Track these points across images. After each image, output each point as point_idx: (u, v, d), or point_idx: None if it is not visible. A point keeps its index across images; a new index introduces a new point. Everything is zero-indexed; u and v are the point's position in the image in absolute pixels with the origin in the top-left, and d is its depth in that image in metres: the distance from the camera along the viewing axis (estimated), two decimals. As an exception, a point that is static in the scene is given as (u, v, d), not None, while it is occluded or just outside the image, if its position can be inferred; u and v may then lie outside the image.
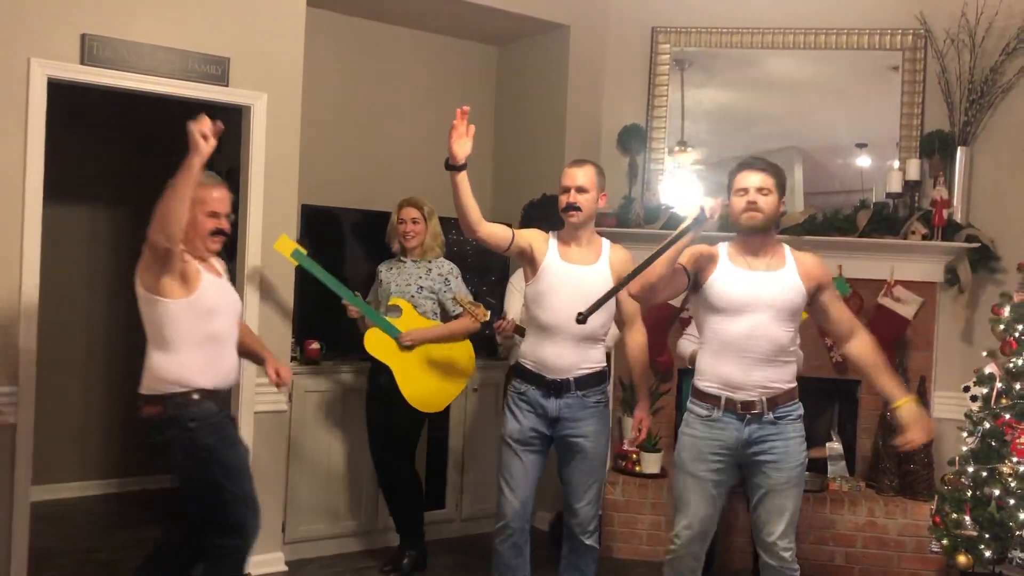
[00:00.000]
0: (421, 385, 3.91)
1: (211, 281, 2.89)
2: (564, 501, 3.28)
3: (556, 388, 3.15)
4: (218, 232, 2.93)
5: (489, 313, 3.89)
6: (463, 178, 2.97)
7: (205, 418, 2.82)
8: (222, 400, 2.94)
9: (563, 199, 3.18)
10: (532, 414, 3.18)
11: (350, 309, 3.94)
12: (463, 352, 4.01)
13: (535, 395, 3.17)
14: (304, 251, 3.83)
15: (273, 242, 3.92)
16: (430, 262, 4.02)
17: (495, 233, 3.10)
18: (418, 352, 3.91)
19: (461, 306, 3.89)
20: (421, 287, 3.97)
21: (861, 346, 2.96)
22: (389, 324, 3.89)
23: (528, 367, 3.20)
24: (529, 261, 3.19)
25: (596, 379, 3.21)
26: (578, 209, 3.16)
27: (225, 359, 2.91)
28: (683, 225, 2.68)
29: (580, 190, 3.16)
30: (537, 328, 3.18)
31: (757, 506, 2.91)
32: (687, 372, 3.97)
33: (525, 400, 3.18)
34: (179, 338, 2.80)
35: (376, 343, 3.89)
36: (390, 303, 3.95)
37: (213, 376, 2.85)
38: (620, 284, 2.78)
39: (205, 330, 2.83)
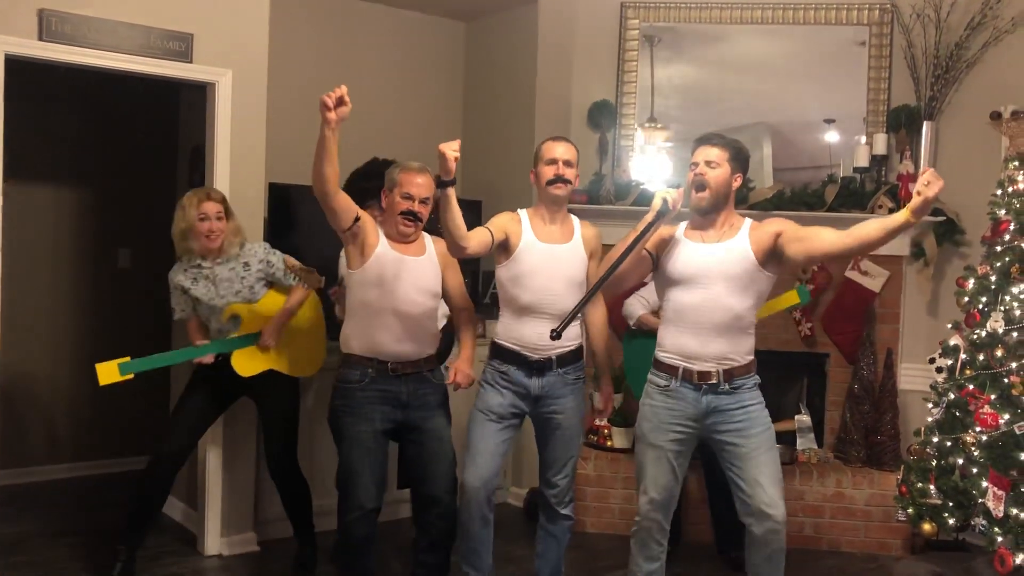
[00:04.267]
0: (294, 356, 3.68)
1: (388, 257, 3.08)
2: (541, 475, 3.32)
3: (538, 367, 3.16)
4: (408, 213, 3.09)
5: (324, 279, 3.63)
6: (453, 193, 2.86)
7: (344, 381, 3.15)
8: (383, 370, 3.11)
9: (550, 171, 3.15)
10: (513, 392, 3.18)
11: (204, 360, 3.56)
12: (308, 310, 3.75)
13: (517, 375, 3.17)
14: (127, 359, 3.36)
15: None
16: (239, 255, 3.61)
17: (481, 242, 3.03)
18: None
19: (294, 273, 3.57)
20: (251, 285, 3.60)
21: (839, 236, 2.74)
22: (240, 340, 3.56)
23: (509, 347, 3.19)
24: (504, 246, 3.16)
25: (575, 356, 3.24)
26: (567, 182, 3.16)
27: (381, 329, 3.09)
28: (647, 219, 2.80)
29: (567, 163, 3.16)
30: (517, 309, 3.17)
31: (737, 481, 2.89)
32: (634, 334, 4.03)
33: (506, 379, 3.18)
34: (350, 305, 3.17)
35: (246, 363, 3.57)
36: (227, 315, 3.58)
37: (364, 344, 3.12)
38: (590, 293, 2.86)
39: (362, 298, 3.11)
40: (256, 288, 3.62)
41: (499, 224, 3.16)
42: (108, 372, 3.32)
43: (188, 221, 3.52)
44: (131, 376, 3.36)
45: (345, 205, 2.97)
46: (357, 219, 3.02)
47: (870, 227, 2.69)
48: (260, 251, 3.65)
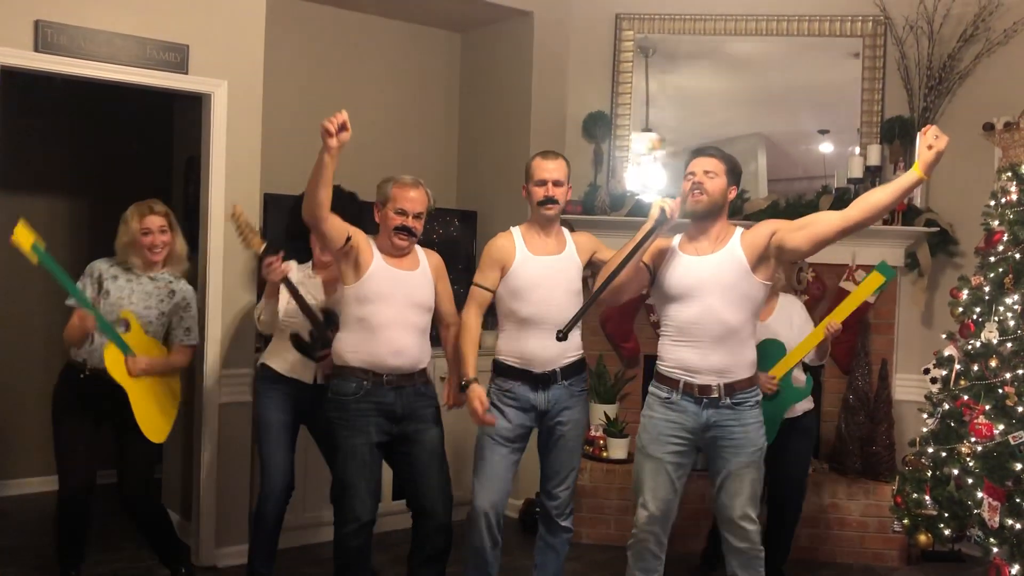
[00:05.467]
0: (151, 410, 3.44)
1: (382, 273, 3.10)
2: (542, 486, 3.32)
3: (544, 381, 3.17)
4: (401, 229, 3.10)
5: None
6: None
7: (338, 393, 3.13)
8: (379, 382, 3.10)
9: (539, 192, 3.20)
10: (520, 411, 3.18)
11: (86, 320, 3.29)
12: (174, 380, 3.60)
13: (523, 391, 3.17)
14: (43, 246, 3.18)
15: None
16: (172, 282, 3.52)
17: (484, 306, 3.22)
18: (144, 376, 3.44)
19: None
20: (162, 312, 3.49)
21: (845, 211, 2.77)
22: (122, 341, 3.35)
23: (512, 364, 3.19)
24: (502, 270, 3.21)
25: (578, 367, 3.26)
26: (556, 202, 3.20)
27: (381, 343, 3.08)
28: (645, 228, 2.79)
29: (557, 183, 3.20)
30: (518, 323, 3.18)
31: (719, 491, 2.94)
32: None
33: (512, 396, 3.18)
34: (344, 319, 3.17)
35: (115, 362, 3.33)
36: (121, 315, 3.40)
37: (359, 357, 3.10)
38: (594, 296, 2.86)
39: (357, 314, 3.10)
40: (162, 320, 3.50)
41: (494, 254, 3.21)
42: (24, 236, 3.11)
43: (131, 235, 3.45)
44: (35, 258, 3.14)
45: (336, 229, 3.00)
46: (348, 239, 3.04)
47: (880, 192, 2.71)
48: (188, 293, 3.57)
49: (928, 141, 2.58)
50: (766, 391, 3.54)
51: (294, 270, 3.62)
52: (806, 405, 3.88)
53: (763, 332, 3.48)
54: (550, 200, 3.18)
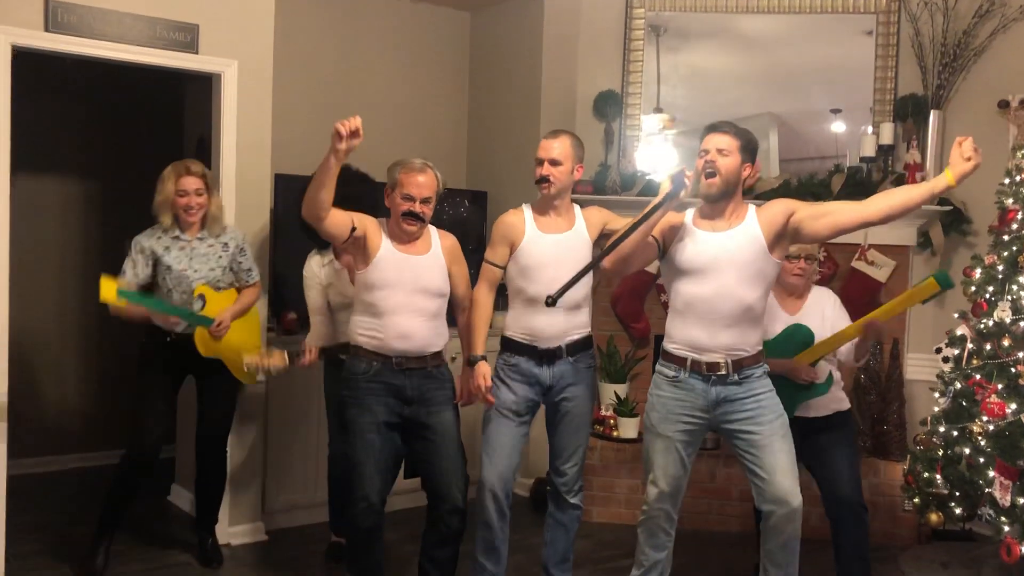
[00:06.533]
0: (238, 360, 3.60)
1: (391, 259, 3.09)
2: (550, 463, 3.34)
3: (549, 356, 3.20)
4: (409, 214, 3.08)
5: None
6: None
7: (350, 372, 3.15)
8: (388, 364, 3.10)
9: (537, 172, 3.21)
10: (525, 384, 3.21)
11: (175, 325, 3.55)
12: (251, 332, 3.79)
13: (528, 365, 3.20)
14: (124, 286, 3.40)
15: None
16: (220, 236, 3.65)
17: (494, 282, 3.26)
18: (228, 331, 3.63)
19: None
20: (224, 267, 3.64)
21: (868, 204, 2.77)
22: (205, 319, 3.53)
23: (518, 339, 3.22)
24: (511, 247, 3.23)
25: (584, 344, 3.27)
26: (548, 181, 3.19)
27: (387, 328, 3.09)
28: (656, 200, 2.77)
29: (553, 162, 3.18)
30: (525, 300, 3.21)
31: (754, 469, 2.86)
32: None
33: (517, 371, 3.21)
34: (355, 301, 3.21)
35: (206, 343, 3.56)
36: (196, 292, 3.55)
37: (369, 340, 3.12)
38: (591, 264, 2.87)
39: (366, 299, 3.12)
40: (227, 273, 3.66)
41: (502, 232, 3.24)
42: (109, 289, 3.30)
43: (166, 194, 3.54)
44: (123, 303, 3.36)
45: (338, 223, 2.99)
46: (353, 230, 3.03)
47: (910, 191, 2.73)
48: (239, 237, 3.71)
49: (967, 152, 2.59)
50: (804, 380, 3.35)
51: (315, 265, 3.68)
52: (838, 404, 3.59)
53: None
54: (543, 180, 3.18)
